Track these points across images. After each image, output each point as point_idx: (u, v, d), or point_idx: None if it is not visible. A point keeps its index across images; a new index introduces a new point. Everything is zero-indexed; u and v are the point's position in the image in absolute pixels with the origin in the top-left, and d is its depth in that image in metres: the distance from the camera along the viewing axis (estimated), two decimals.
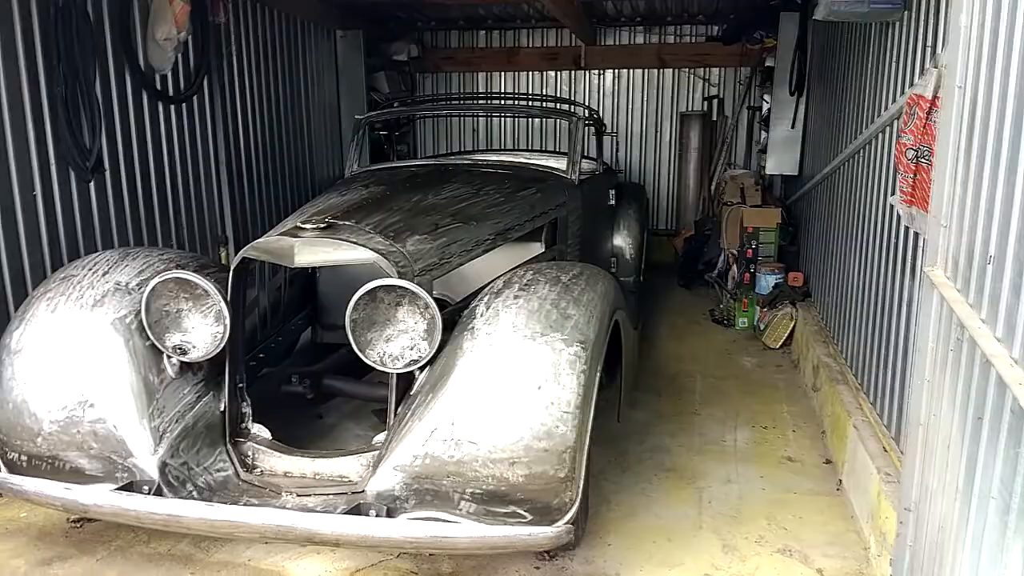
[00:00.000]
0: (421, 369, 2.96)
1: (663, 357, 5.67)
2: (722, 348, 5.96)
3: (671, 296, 7.36)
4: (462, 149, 8.73)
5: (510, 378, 2.68)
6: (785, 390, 5.06)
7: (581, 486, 2.69)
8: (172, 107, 5.27)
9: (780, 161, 6.94)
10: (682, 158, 8.75)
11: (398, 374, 2.99)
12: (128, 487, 2.85)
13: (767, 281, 6.18)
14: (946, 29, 2.92)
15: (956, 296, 1.99)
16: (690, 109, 8.77)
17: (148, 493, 2.82)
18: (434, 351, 2.92)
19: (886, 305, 3.60)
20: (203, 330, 3.13)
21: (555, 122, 8.84)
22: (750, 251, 6.38)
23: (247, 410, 3.25)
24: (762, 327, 6.03)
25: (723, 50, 8.32)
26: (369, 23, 8.05)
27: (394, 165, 5.54)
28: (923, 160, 2.82)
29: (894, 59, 3.67)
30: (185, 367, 3.17)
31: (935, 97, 2.72)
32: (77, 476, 2.92)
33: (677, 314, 6.79)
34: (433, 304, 2.90)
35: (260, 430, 3.24)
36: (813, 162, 6.20)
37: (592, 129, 6.12)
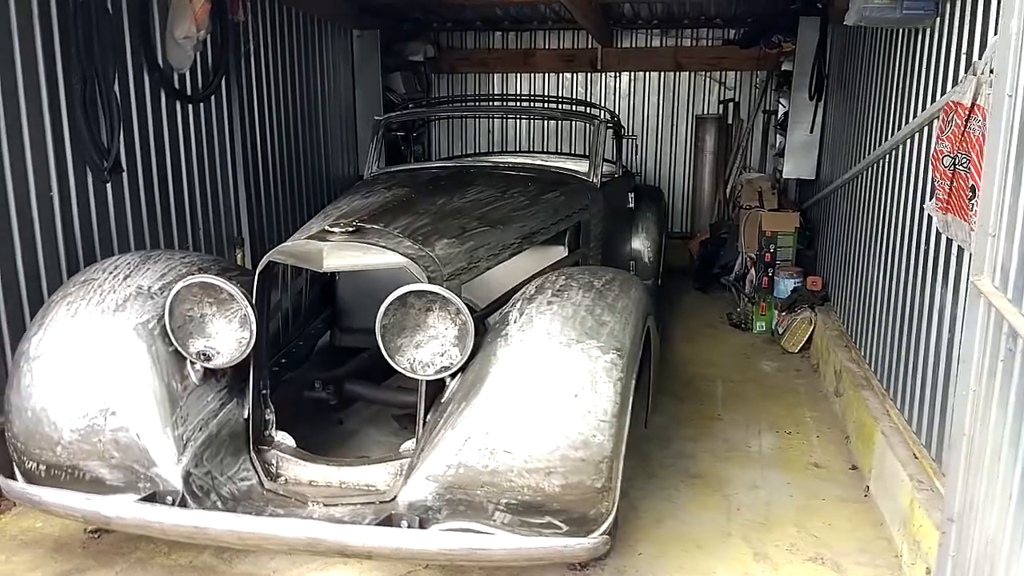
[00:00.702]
0: (452, 376, 2.93)
1: (681, 361, 5.65)
2: (740, 352, 5.94)
3: (687, 299, 7.33)
4: (477, 151, 8.72)
5: (546, 386, 2.66)
6: (806, 395, 5.04)
7: (617, 496, 2.67)
8: (190, 107, 5.22)
9: (798, 165, 6.91)
10: (697, 161, 8.73)
11: (427, 381, 2.96)
12: (151, 498, 2.79)
13: (785, 285, 6.15)
14: (983, 36, 2.92)
15: (1008, 306, 1.97)
16: (706, 112, 8.75)
17: (172, 504, 2.76)
18: (466, 358, 2.88)
19: (915, 312, 3.58)
20: (227, 335, 3.07)
21: (571, 124, 8.83)
22: (768, 255, 6.36)
23: (271, 417, 3.19)
24: (780, 331, 6.01)
25: (739, 54, 8.31)
26: (385, 23, 8.04)
27: (414, 167, 5.53)
28: (960, 167, 2.80)
29: (924, 65, 3.64)
30: (208, 373, 3.10)
31: (974, 105, 2.71)
32: (97, 486, 2.85)
33: (694, 317, 6.77)
34: (465, 310, 2.88)
35: (284, 438, 3.19)
36: (831, 167, 6.18)
37: (612, 132, 6.10)
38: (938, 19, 3.45)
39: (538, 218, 4.12)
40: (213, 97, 5.47)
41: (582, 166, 5.33)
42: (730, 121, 8.64)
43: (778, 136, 8.05)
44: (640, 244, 6.30)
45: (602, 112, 5.74)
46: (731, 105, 8.64)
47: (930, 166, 3.15)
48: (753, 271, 6.52)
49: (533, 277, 3.80)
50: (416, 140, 8.61)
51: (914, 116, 3.72)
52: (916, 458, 3.35)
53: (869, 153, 4.63)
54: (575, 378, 2.66)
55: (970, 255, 2.78)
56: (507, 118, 9.00)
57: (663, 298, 6.86)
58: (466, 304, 2.99)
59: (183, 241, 5.19)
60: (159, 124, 4.93)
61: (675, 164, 9.03)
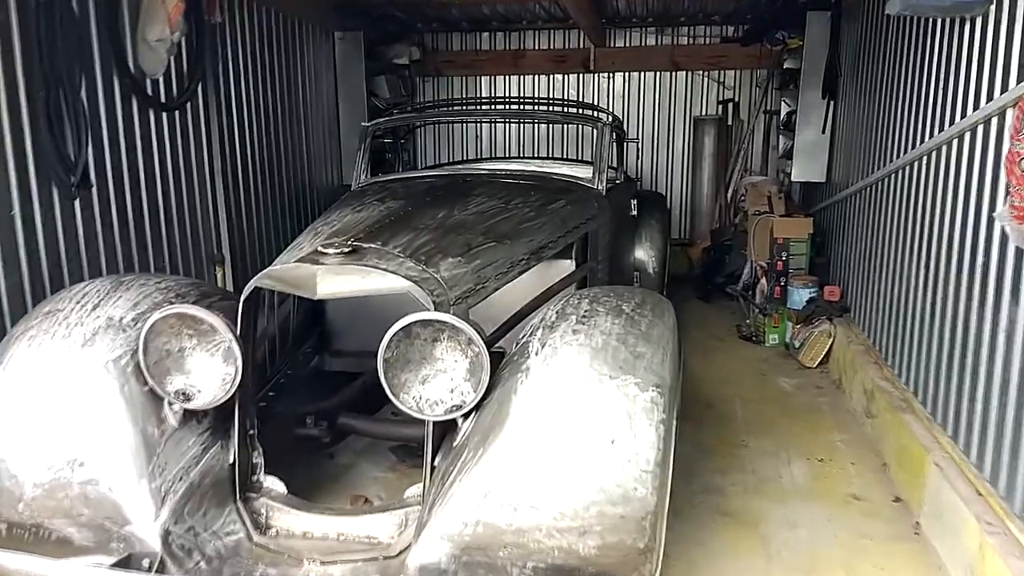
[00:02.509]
0: (465, 416, 2.57)
1: (694, 379, 5.28)
2: (755, 368, 5.59)
3: (691, 310, 6.98)
4: (466, 157, 8.36)
5: (578, 430, 2.28)
6: (832, 415, 4.69)
7: (660, 556, 2.30)
8: (164, 115, 4.84)
9: (807, 168, 6.58)
10: (696, 165, 8.41)
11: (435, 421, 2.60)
12: (126, 561, 2.44)
13: (800, 295, 5.81)
14: None
15: None
16: (704, 113, 8.44)
17: (150, 567, 2.43)
18: (480, 395, 2.52)
19: (972, 331, 3.23)
20: (209, 371, 2.74)
21: (563, 128, 8.49)
22: (780, 263, 6.02)
23: (259, 460, 2.87)
24: (796, 345, 5.67)
25: (739, 52, 8.01)
26: (368, 24, 7.65)
27: (406, 176, 5.14)
28: None
29: (975, 59, 3.30)
30: (188, 415, 2.76)
31: None
32: (64, 548, 2.50)
33: (700, 329, 6.42)
34: (479, 340, 2.52)
35: (274, 483, 2.86)
36: (847, 169, 5.85)
37: (614, 136, 5.74)
38: (992, 6, 3.12)
39: (546, 230, 3.77)
40: (189, 104, 5.09)
41: (583, 172, 4.99)
42: (730, 122, 8.33)
43: (781, 137, 7.74)
44: (644, 254, 5.98)
45: (606, 115, 5.36)
46: (731, 105, 8.33)
47: (1001, 170, 2.80)
48: (764, 280, 6.18)
49: (541, 296, 3.49)
50: (403, 147, 8.22)
51: (963, 115, 3.38)
52: (980, 495, 3.00)
53: (901, 155, 4.30)
54: (611, 420, 2.29)
55: None
56: (500, 122, 8.63)
57: None
58: (477, 332, 2.62)
59: (159, 261, 4.80)
60: (131, 134, 4.53)
61: (672, 168, 8.71)
